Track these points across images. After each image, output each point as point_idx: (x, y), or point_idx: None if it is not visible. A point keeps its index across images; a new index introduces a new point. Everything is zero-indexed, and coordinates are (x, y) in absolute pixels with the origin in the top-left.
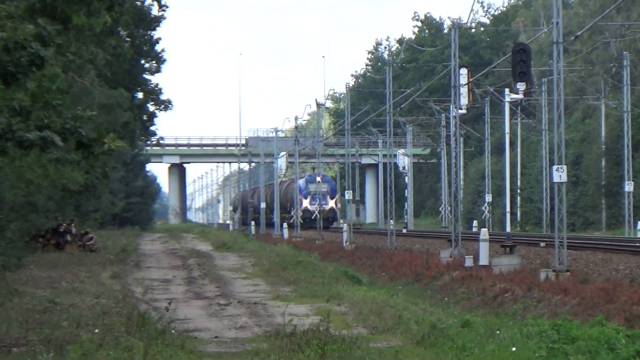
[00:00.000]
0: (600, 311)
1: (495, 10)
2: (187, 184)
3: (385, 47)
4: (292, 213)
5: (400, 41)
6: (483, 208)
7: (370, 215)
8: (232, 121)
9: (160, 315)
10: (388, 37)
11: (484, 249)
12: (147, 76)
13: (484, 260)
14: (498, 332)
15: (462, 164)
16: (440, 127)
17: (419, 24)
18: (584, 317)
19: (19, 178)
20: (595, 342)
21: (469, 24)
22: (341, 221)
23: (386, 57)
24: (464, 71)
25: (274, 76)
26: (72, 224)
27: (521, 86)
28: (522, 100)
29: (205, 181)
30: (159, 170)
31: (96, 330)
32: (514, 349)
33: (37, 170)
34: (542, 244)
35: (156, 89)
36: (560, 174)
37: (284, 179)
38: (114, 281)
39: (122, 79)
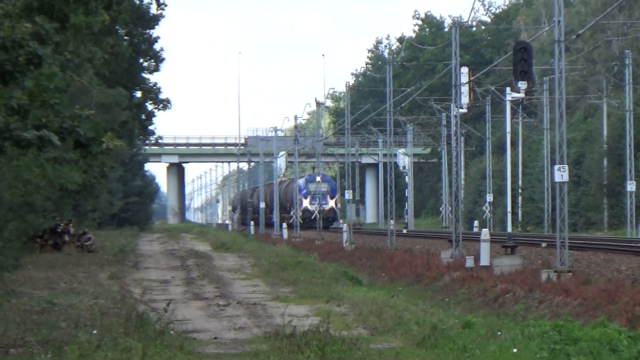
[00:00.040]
0: (602, 312)
1: (496, 9)
2: (185, 183)
3: (386, 46)
4: (292, 213)
5: (400, 40)
6: (484, 208)
7: (370, 215)
8: (231, 120)
9: (159, 316)
10: (388, 36)
11: (485, 249)
12: (145, 75)
13: (485, 260)
14: (499, 333)
15: (462, 163)
16: (441, 126)
17: (420, 22)
18: (586, 318)
19: (17, 177)
20: (597, 343)
21: (469, 23)
22: (341, 221)
23: (386, 56)
24: (464, 70)
25: (273, 75)
26: (70, 224)
27: (522, 85)
28: (523, 99)
29: (204, 181)
30: (157, 170)
31: (94, 331)
32: (515, 350)
33: (34, 170)
34: (544, 245)
35: (155, 88)
36: (561, 174)
37: (283, 179)
38: (112, 282)
39: (120, 78)
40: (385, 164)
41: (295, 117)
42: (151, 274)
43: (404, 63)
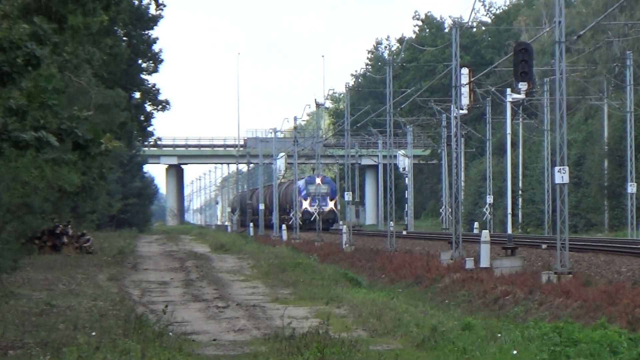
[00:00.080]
0: (603, 314)
1: (496, 9)
2: (185, 185)
3: (386, 47)
4: (291, 214)
5: (400, 40)
6: (484, 209)
7: (370, 216)
8: (230, 122)
9: (158, 318)
10: (388, 37)
11: (485, 251)
12: (144, 76)
13: (485, 262)
14: (499, 335)
15: (463, 164)
16: (441, 127)
17: (420, 23)
18: (586, 320)
19: (15, 179)
20: (598, 345)
21: (470, 23)
22: (340, 223)
23: (386, 57)
24: (465, 71)
25: (273, 76)
26: (69, 226)
27: (523, 86)
28: (523, 100)
29: (203, 182)
30: (156, 172)
31: (93, 333)
32: (515, 352)
33: (33, 171)
34: (544, 246)
35: (153, 89)
36: (562, 175)
37: (282, 180)
38: (111, 283)
39: (119, 79)
40: (385, 165)
41: (295, 118)
42: (150, 275)
43: (404, 64)
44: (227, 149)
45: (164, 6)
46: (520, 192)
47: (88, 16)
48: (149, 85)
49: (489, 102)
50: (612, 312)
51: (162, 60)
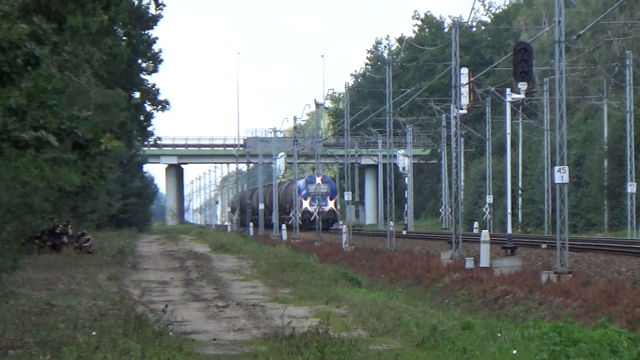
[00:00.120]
0: (603, 313)
1: (496, 9)
2: (184, 185)
3: (385, 47)
4: (291, 214)
5: (400, 40)
6: (484, 209)
7: (369, 216)
8: (230, 121)
9: (158, 318)
10: (388, 36)
11: (484, 250)
12: (144, 76)
13: (484, 262)
14: (499, 334)
15: (462, 164)
16: (441, 127)
17: (419, 22)
18: (586, 319)
19: (15, 179)
20: (598, 345)
21: (469, 23)
22: (340, 222)
23: (386, 57)
24: (464, 71)
25: (272, 76)
26: (69, 225)
27: (522, 86)
28: (523, 100)
29: (203, 182)
30: (156, 171)
31: (93, 333)
32: (515, 351)
33: (33, 171)
34: (544, 246)
35: (153, 89)
36: (562, 175)
37: (282, 180)
38: (110, 283)
39: (118, 79)
40: (384, 165)
41: (295, 118)
42: (150, 275)
43: (404, 64)
44: (227, 148)
45: (164, 6)
46: (520, 191)
47: (87, 16)
48: (149, 85)
49: (488, 101)
50: (612, 312)
51: (161, 60)
